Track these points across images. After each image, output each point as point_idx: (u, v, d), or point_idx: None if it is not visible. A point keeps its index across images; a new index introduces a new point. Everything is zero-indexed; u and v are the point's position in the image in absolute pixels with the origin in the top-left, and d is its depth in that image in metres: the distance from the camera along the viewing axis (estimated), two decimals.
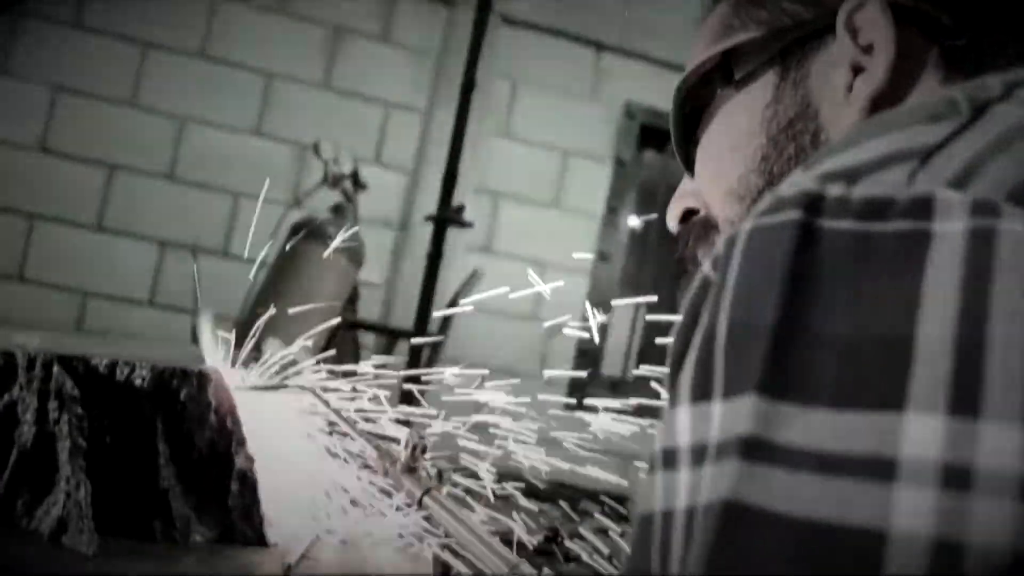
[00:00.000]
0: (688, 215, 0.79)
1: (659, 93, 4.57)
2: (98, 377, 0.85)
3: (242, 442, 0.89)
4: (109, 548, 0.79)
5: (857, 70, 0.66)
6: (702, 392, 0.42)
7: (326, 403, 0.91)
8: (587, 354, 4.54)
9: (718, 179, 0.74)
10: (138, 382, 0.85)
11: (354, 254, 3.28)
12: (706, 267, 0.45)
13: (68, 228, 3.81)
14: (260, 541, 0.89)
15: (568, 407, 4.46)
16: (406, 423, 1.55)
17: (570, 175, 4.46)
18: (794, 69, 0.70)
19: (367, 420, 1.08)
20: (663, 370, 0.48)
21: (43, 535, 0.79)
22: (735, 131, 0.73)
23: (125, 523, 0.83)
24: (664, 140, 4.65)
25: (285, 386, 0.94)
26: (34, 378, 0.83)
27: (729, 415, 0.40)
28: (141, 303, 3.90)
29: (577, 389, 4.52)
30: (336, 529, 0.99)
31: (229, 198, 3.98)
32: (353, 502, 1.11)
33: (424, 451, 0.85)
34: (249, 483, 0.89)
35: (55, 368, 0.83)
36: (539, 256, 4.32)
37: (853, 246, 0.40)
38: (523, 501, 2.10)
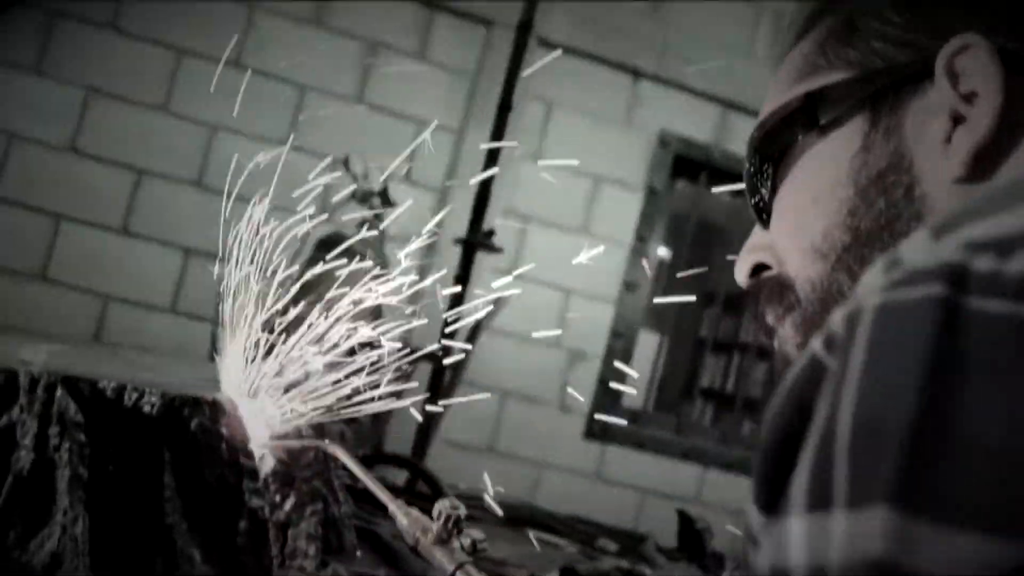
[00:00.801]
0: (758, 270, 0.73)
1: (694, 123, 4.53)
2: (104, 401, 0.79)
3: (254, 478, 0.83)
4: None
5: (957, 120, 0.59)
6: (820, 500, 0.35)
7: (356, 468, 0.84)
8: (610, 385, 4.47)
9: (798, 233, 0.67)
10: (147, 409, 0.80)
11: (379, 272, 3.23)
12: (816, 347, 0.37)
13: (93, 230, 3.78)
14: None
15: (585, 436, 4.40)
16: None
17: (600, 202, 4.40)
18: (886, 116, 0.63)
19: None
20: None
21: (35, 570, 0.73)
22: (819, 181, 0.66)
23: (125, 560, 0.77)
24: (697, 171, 4.59)
25: (316, 441, 0.88)
26: (35, 400, 0.78)
27: (855, 530, 0.33)
28: (163, 309, 3.86)
29: (595, 420, 4.45)
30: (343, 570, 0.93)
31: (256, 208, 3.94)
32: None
33: (458, 523, 0.79)
34: (260, 522, 0.83)
35: (58, 391, 0.77)
36: (565, 282, 4.27)
37: (1009, 334, 0.33)
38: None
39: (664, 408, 5.38)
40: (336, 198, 3.65)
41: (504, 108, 2.54)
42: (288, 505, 0.90)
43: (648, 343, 5.34)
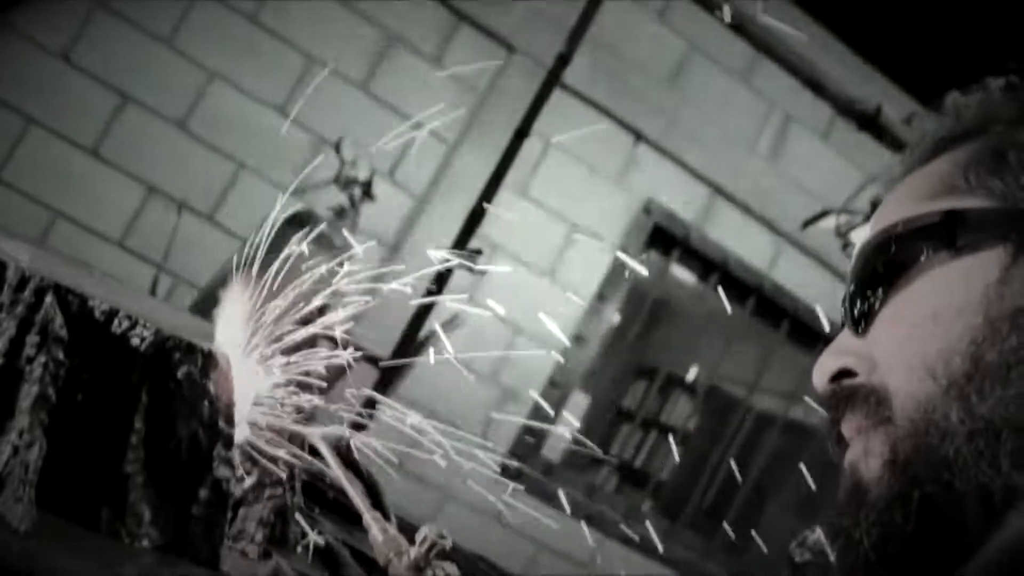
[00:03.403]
0: (841, 376, 0.69)
1: (681, 199, 4.52)
2: (91, 322, 0.71)
3: (229, 445, 0.76)
4: (44, 529, 0.65)
5: None
6: None
7: (337, 469, 0.78)
8: (533, 432, 4.41)
9: (909, 347, 0.64)
10: (135, 342, 0.72)
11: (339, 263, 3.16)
12: None
13: (63, 143, 3.64)
14: (213, 564, 0.75)
15: (501, 474, 4.33)
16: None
17: (571, 251, 4.37)
18: None
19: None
20: None
21: None
22: (942, 301, 0.63)
23: (69, 501, 0.69)
24: (671, 246, 4.59)
25: (304, 429, 0.81)
26: (20, 301, 0.69)
27: None
28: (111, 241, 3.72)
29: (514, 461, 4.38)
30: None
31: (232, 166, 3.84)
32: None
33: (441, 553, 0.72)
34: (222, 496, 0.75)
35: (48, 298, 0.69)
36: (517, 319, 4.22)
37: None
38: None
39: (577, 468, 5.34)
40: (318, 177, 3.58)
41: (520, 135, 2.49)
42: (248, 483, 0.83)
43: (580, 403, 5.31)
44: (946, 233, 0.65)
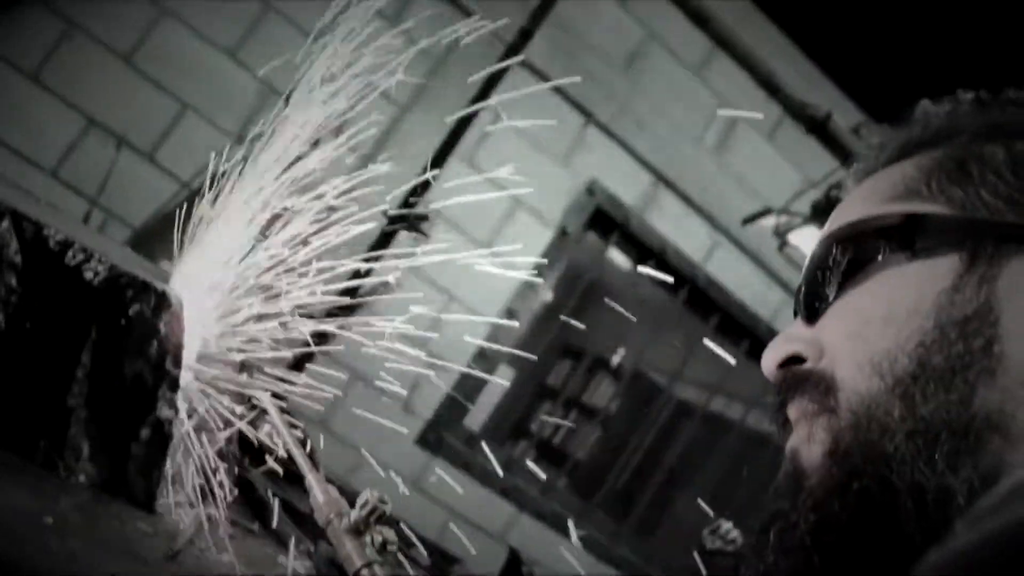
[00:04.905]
0: (790, 362, 0.71)
1: (625, 184, 4.55)
2: (45, 251, 0.70)
3: (174, 387, 0.75)
4: None
5: None
6: None
7: (283, 429, 0.77)
8: (456, 401, 4.42)
9: (858, 342, 0.66)
10: (88, 275, 0.70)
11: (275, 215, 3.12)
12: None
13: (4, 66, 3.53)
14: (148, 505, 0.74)
15: (418, 443, 4.34)
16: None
17: (512, 225, 4.37)
18: (983, 264, 0.63)
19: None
20: None
21: None
22: (895, 301, 0.65)
23: (7, 429, 0.68)
24: (610, 229, 4.62)
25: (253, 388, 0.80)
26: None
27: None
28: (44, 169, 3.63)
29: (433, 431, 4.39)
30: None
31: (177, 106, 3.77)
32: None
33: (381, 518, 0.73)
34: (162, 436, 0.74)
35: (4, 223, 0.67)
36: (451, 287, 4.22)
37: None
38: None
39: (497, 441, 5.38)
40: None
41: (481, 97, 2.49)
42: (187, 426, 0.82)
43: (506, 376, 5.34)
44: (904, 236, 0.66)
